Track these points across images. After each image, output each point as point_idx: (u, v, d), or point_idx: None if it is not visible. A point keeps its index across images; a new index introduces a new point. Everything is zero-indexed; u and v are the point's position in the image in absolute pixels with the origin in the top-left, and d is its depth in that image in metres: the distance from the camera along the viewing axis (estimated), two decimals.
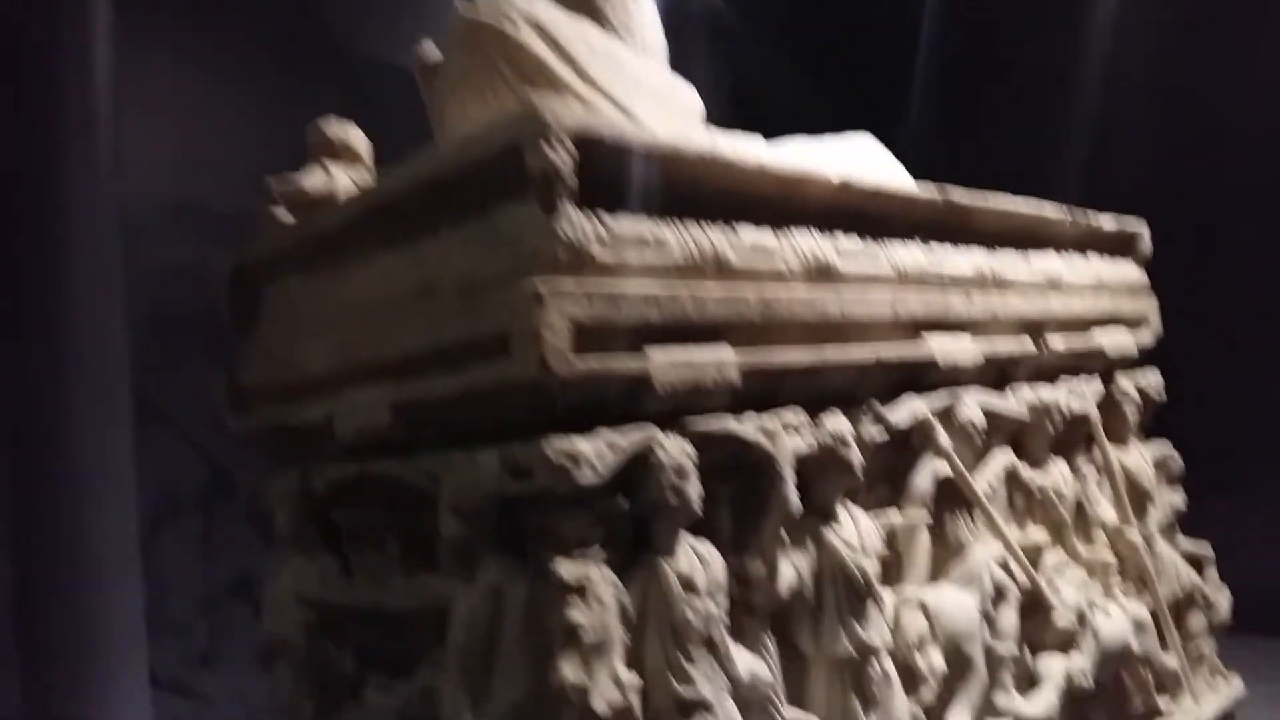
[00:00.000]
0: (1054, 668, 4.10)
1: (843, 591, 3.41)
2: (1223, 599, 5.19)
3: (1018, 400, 4.40)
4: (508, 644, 2.77)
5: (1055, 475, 4.55)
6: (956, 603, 3.81)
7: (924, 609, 3.63)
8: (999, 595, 3.94)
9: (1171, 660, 4.71)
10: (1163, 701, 4.75)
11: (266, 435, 3.97)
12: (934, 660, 3.58)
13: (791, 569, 3.31)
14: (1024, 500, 4.48)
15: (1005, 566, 4.08)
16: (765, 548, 3.20)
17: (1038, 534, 4.47)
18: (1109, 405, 5.00)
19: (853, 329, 3.62)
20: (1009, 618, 3.94)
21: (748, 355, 3.15)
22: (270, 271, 3.94)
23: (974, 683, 3.75)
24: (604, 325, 2.79)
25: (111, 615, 5.47)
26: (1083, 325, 4.90)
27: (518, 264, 2.79)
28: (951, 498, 3.96)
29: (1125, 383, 5.03)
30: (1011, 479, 4.25)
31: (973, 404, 4.07)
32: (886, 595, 3.56)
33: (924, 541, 3.79)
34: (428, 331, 3.04)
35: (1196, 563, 5.19)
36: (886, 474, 3.83)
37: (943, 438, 3.87)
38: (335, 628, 3.65)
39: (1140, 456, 5.04)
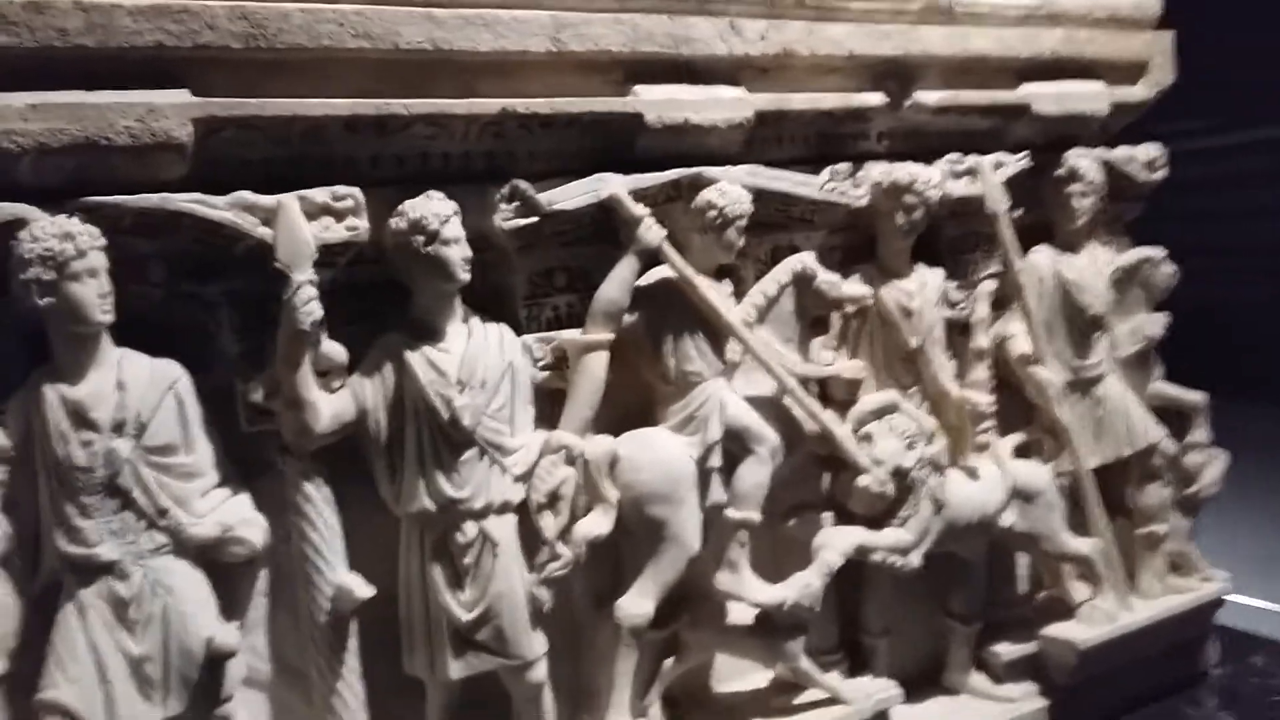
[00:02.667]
0: (836, 541, 3.05)
1: (427, 431, 2.56)
2: (1212, 467, 3.74)
3: (846, 180, 3.15)
4: None
5: (912, 287, 3.30)
6: (654, 453, 2.82)
7: (596, 458, 2.70)
8: (745, 446, 2.90)
9: (1083, 544, 3.45)
10: (1083, 594, 3.54)
11: None
12: (588, 525, 2.68)
13: (345, 401, 2.50)
14: (860, 323, 3.29)
15: (778, 406, 3.02)
16: (282, 374, 2.40)
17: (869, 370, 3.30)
18: (1054, 194, 3.56)
19: (469, 69, 2.60)
20: (754, 475, 2.91)
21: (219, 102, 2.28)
22: None
23: (664, 556, 2.80)
24: None
25: None
26: (998, 72, 3.43)
27: None
28: (687, 311, 2.89)
29: (1082, 161, 3.53)
30: (803, 286, 3.06)
31: (730, 183, 2.91)
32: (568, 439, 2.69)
33: (594, 369, 2.78)
34: None
35: (1178, 416, 3.75)
36: (571, 279, 2.83)
37: (651, 229, 2.78)
38: None
39: (1092, 263, 3.59)
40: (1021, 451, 3.51)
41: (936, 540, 3.23)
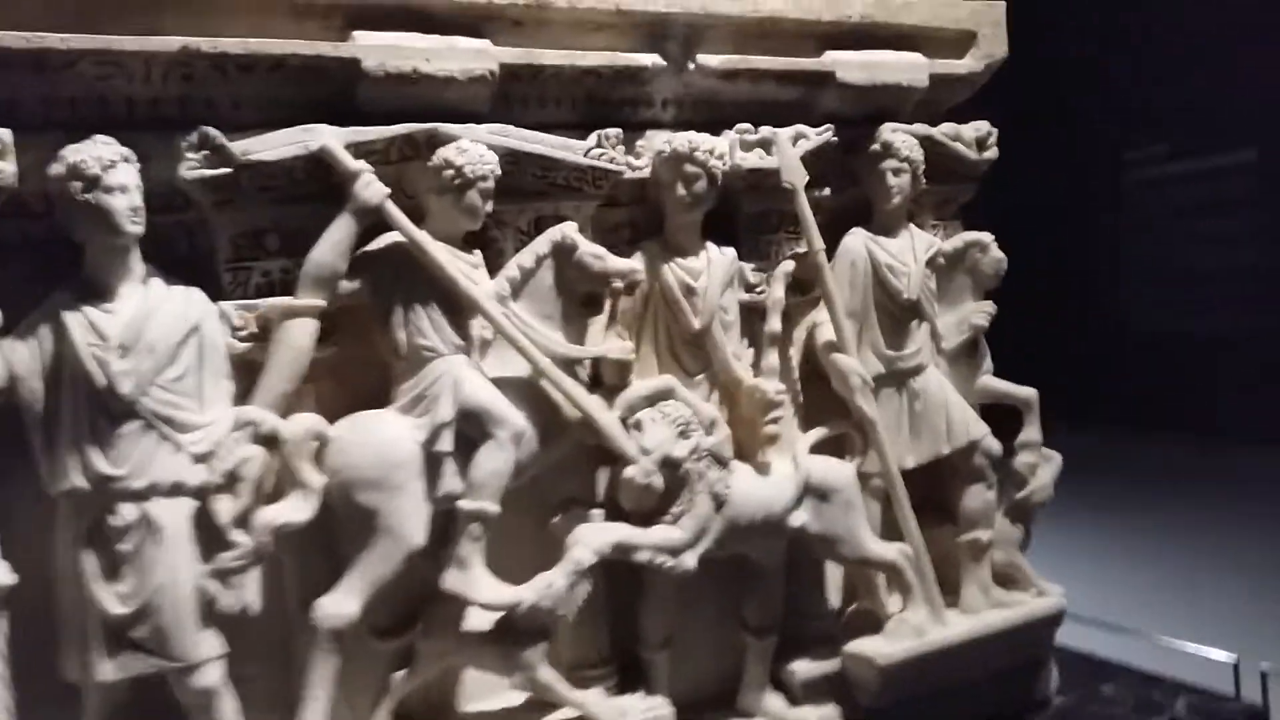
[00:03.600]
0: (590, 538, 2.76)
1: (84, 399, 2.28)
2: (1044, 469, 3.46)
3: (617, 146, 2.90)
4: None
5: (698, 266, 3.04)
6: (367, 434, 2.55)
7: (295, 437, 2.42)
8: (483, 429, 2.62)
9: (887, 549, 3.16)
10: (897, 607, 3.24)
11: None
12: (276, 512, 2.39)
13: None
14: (643, 304, 3.03)
15: (534, 388, 2.75)
16: None
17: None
18: (868, 172, 3.30)
19: (155, 5, 2.35)
20: (491, 461, 2.62)
21: None
22: None
23: (375, 550, 2.51)
24: None
25: None
26: (799, 37, 3.20)
27: None
28: (422, 280, 2.62)
29: (895, 136, 3.28)
30: (563, 258, 2.80)
31: (473, 141, 2.65)
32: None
33: (295, 338, 2.49)
34: None
35: (1007, 414, 3.47)
36: (286, 242, 2.56)
37: (369, 186, 2.52)
38: None
39: (909, 246, 3.33)
40: (834, 449, 3.24)
41: (718, 541, 2.94)
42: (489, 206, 2.71)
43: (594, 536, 2.77)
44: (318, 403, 2.64)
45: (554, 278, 2.81)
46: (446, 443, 2.60)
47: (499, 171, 2.69)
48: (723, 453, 2.96)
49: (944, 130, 3.44)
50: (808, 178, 3.15)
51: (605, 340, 2.92)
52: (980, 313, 3.43)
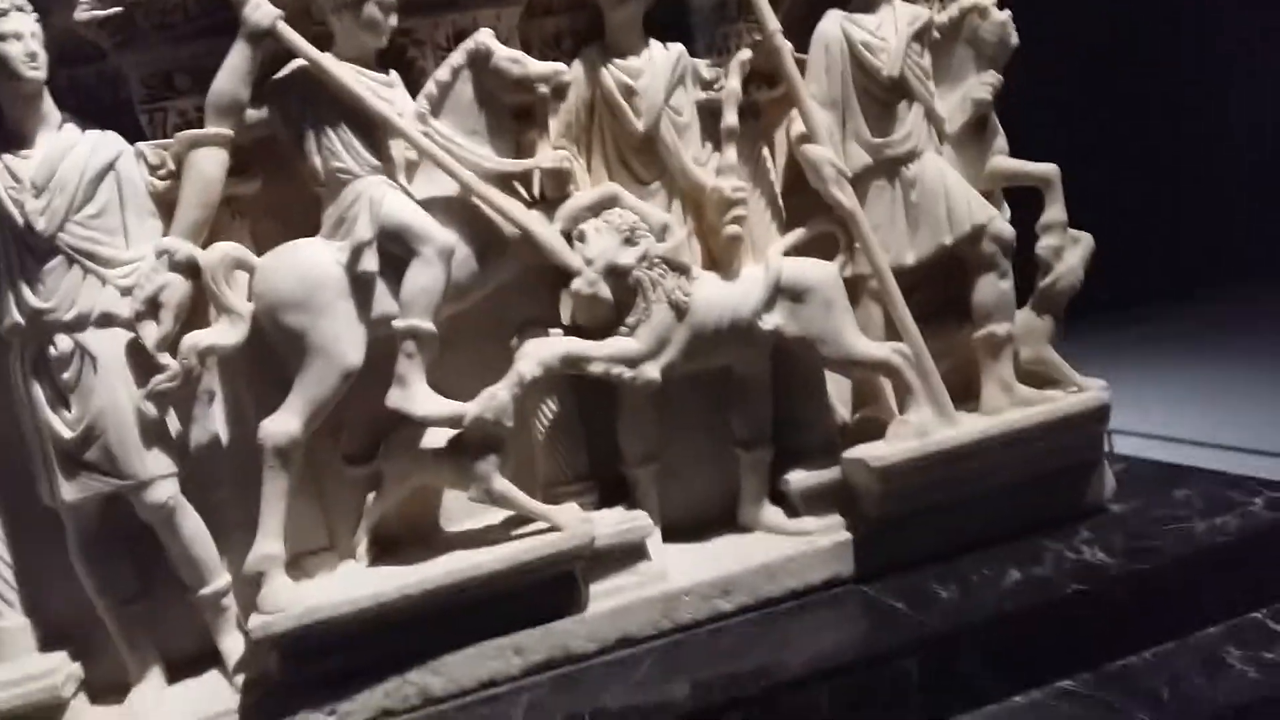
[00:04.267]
0: (537, 351, 2.67)
1: (12, 240, 2.40)
2: (1070, 252, 3.05)
3: None
4: None
5: (638, 64, 2.85)
6: (289, 257, 2.56)
7: (211, 264, 2.47)
8: (408, 247, 2.58)
9: (878, 348, 2.89)
10: (898, 410, 2.97)
11: None
12: (202, 335, 2.45)
13: None
14: (588, 112, 2.88)
15: (466, 206, 2.68)
16: None
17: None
18: None
19: None
20: (419, 278, 2.58)
21: None
22: None
23: (309, 371, 2.52)
24: None
25: None
26: None
27: None
28: (332, 103, 2.58)
29: None
30: (481, 67, 2.67)
31: None
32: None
33: (203, 167, 2.50)
34: None
35: (1024, 194, 3.07)
36: (196, 81, 2.58)
37: (259, 8, 2.49)
38: None
39: (889, 21, 2.98)
40: (828, 253, 2.99)
41: (685, 351, 2.79)
42: (392, 20, 2.63)
43: (540, 350, 2.69)
44: (260, 241, 2.70)
45: (474, 90, 2.70)
46: (369, 262, 2.57)
47: None
48: (680, 259, 2.80)
49: None
50: None
51: (540, 151, 2.80)
52: (982, 85, 3.05)
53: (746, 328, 2.82)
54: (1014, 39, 3.06)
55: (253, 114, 2.57)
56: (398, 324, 2.58)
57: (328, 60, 2.57)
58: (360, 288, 2.58)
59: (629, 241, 2.74)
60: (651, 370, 2.76)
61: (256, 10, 2.50)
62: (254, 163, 2.65)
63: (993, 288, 3.01)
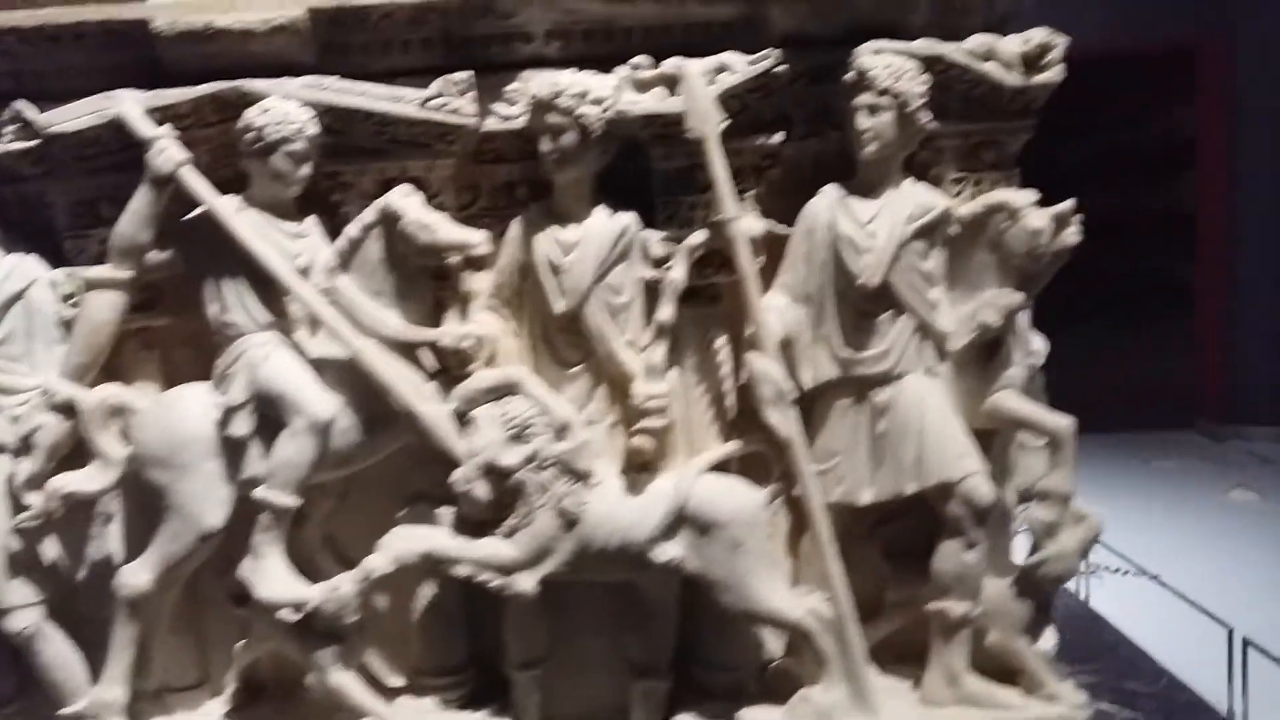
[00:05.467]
0: (396, 543, 2.46)
1: None
2: (1070, 532, 2.41)
3: (466, 94, 2.46)
4: None
5: (572, 237, 2.51)
6: (164, 411, 2.49)
7: (89, 408, 2.45)
8: (280, 415, 2.44)
9: (791, 604, 2.43)
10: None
11: None
12: (68, 479, 2.44)
13: None
14: (519, 280, 2.59)
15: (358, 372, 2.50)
16: None
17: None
18: (846, 111, 2.46)
19: None
20: (285, 450, 2.44)
21: None
22: None
23: (168, 528, 2.47)
24: None
25: None
26: None
27: None
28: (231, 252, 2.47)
29: (872, 60, 2.40)
30: (392, 228, 2.44)
31: (285, 98, 2.41)
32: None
33: (93, 309, 2.45)
34: None
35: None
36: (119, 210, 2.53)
37: (162, 153, 2.40)
38: None
39: (886, 211, 2.44)
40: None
41: (570, 564, 2.49)
42: (305, 170, 2.47)
43: (400, 543, 2.49)
44: (174, 371, 2.68)
45: (385, 249, 2.50)
46: (239, 427, 2.48)
47: (312, 130, 2.44)
48: (575, 463, 2.49)
49: (968, 47, 2.46)
50: (725, 123, 2.44)
51: (448, 321, 2.56)
52: (994, 306, 2.46)
53: (636, 554, 2.48)
54: (1050, 249, 2.44)
55: (156, 256, 2.52)
56: (255, 494, 2.47)
57: (228, 210, 2.46)
58: (231, 448, 2.49)
59: (517, 438, 2.46)
60: (525, 581, 2.48)
61: (159, 156, 2.43)
62: (166, 295, 2.61)
63: (954, 558, 2.46)
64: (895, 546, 2.65)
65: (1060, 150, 4.71)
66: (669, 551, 2.47)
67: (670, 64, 2.46)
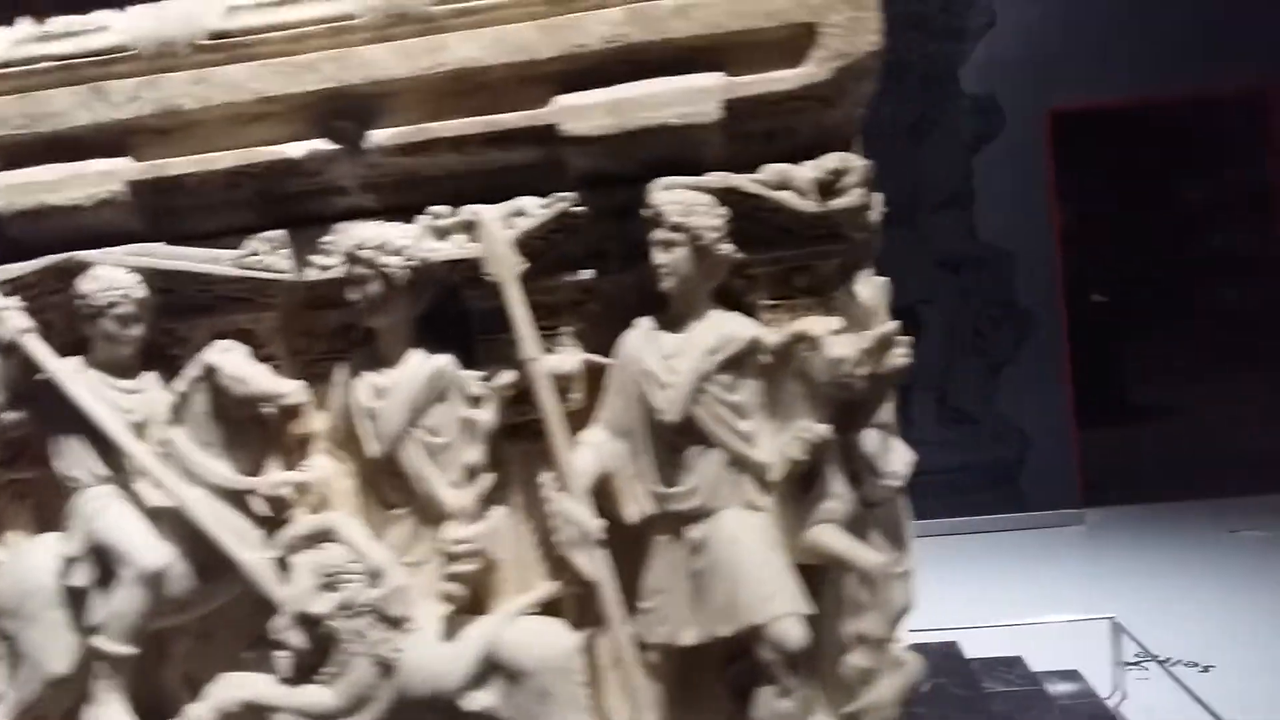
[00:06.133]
0: (221, 691, 2.50)
1: None
2: (888, 680, 2.24)
3: (278, 250, 2.56)
4: None
5: (386, 382, 2.55)
6: (15, 561, 2.64)
7: None
8: (111, 566, 2.55)
9: None
10: None
11: None
12: None
13: None
14: (347, 426, 2.64)
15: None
16: None
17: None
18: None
19: None
20: (115, 600, 2.54)
21: None
22: None
23: (18, 674, 2.59)
24: None
25: None
26: (521, 82, 2.46)
27: None
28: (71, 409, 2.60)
29: (661, 195, 2.38)
30: (214, 381, 2.54)
31: (113, 266, 2.56)
32: None
33: None
34: None
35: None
36: None
37: (2, 322, 2.57)
38: None
39: (688, 345, 2.39)
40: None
41: (391, 712, 2.48)
42: (136, 330, 2.60)
43: (222, 691, 2.53)
44: (51, 518, 2.80)
45: (210, 402, 2.60)
46: (79, 577, 2.59)
47: (140, 294, 2.58)
48: (389, 609, 2.49)
49: (761, 177, 2.41)
50: (524, 266, 2.46)
51: (268, 469, 2.63)
52: (797, 439, 2.35)
53: (448, 703, 2.45)
54: (856, 379, 2.33)
55: (11, 416, 2.68)
56: (90, 643, 2.57)
57: (65, 373, 2.60)
58: (75, 597, 2.61)
59: (329, 586, 2.49)
60: None
61: (2, 325, 2.60)
62: (32, 447, 2.76)
63: (767, 707, 2.33)
64: (740, 685, 2.54)
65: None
66: (479, 700, 2.43)
67: (467, 210, 2.51)
